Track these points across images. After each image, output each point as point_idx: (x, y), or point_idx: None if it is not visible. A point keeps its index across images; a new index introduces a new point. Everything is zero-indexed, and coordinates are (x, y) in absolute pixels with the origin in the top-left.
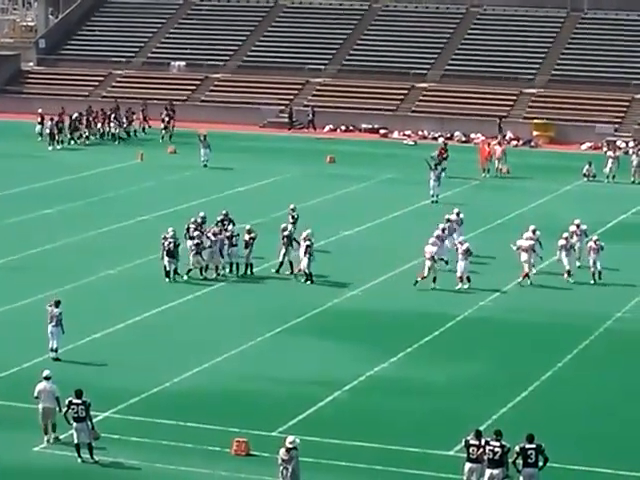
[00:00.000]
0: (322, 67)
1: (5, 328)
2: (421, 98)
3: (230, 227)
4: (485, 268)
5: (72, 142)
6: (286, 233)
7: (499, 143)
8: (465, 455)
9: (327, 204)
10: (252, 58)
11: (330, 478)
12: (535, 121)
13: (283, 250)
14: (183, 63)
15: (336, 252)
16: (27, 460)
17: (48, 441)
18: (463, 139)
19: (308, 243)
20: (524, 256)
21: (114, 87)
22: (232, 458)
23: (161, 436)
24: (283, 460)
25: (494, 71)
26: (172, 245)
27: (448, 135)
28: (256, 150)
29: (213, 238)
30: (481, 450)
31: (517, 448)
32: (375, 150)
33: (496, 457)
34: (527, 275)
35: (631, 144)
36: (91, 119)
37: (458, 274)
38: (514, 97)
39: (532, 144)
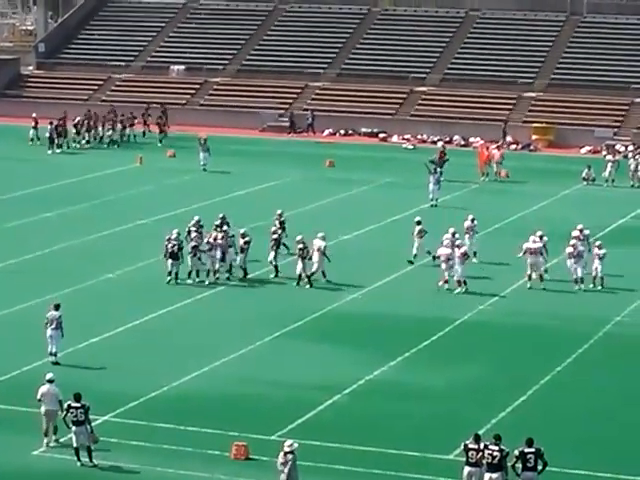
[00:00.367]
0: (321, 71)
1: (5, 331)
2: (420, 102)
3: (225, 228)
4: (484, 272)
5: (76, 145)
6: (275, 236)
7: (498, 147)
8: (464, 459)
9: (326, 208)
10: (251, 62)
11: None
12: (534, 125)
13: (272, 254)
14: (182, 67)
15: (336, 256)
16: (26, 464)
17: (48, 444)
18: (462, 143)
19: (301, 246)
20: (532, 259)
21: (113, 91)
22: (231, 462)
23: (160, 440)
24: (281, 464)
25: (493, 75)
26: (176, 247)
27: (447, 139)
28: (255, 154)
29: (213, 242)
30: (480, 454)
31: (516, 452)
32: (374, 154)
33: (495, 461)
34: (530, 277)
35: (630, 148)
36: (91, 123)
37: (456, 278)
38: (513, 101)
39: (531, 148)
